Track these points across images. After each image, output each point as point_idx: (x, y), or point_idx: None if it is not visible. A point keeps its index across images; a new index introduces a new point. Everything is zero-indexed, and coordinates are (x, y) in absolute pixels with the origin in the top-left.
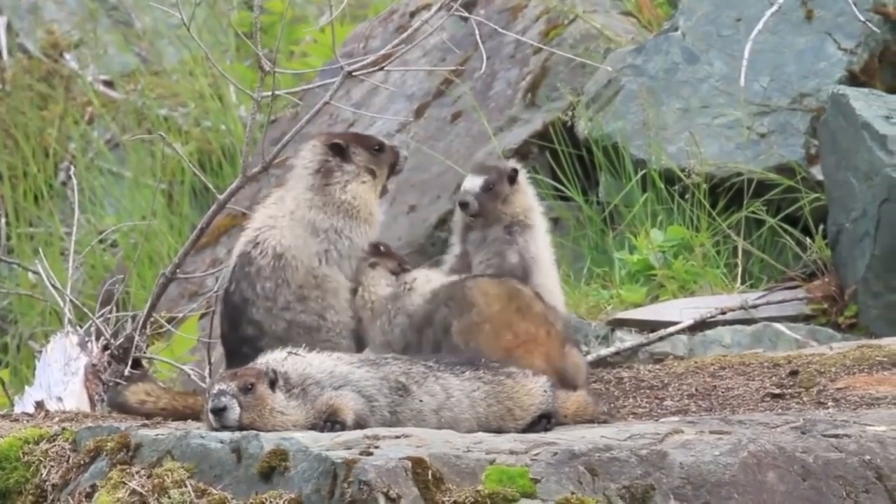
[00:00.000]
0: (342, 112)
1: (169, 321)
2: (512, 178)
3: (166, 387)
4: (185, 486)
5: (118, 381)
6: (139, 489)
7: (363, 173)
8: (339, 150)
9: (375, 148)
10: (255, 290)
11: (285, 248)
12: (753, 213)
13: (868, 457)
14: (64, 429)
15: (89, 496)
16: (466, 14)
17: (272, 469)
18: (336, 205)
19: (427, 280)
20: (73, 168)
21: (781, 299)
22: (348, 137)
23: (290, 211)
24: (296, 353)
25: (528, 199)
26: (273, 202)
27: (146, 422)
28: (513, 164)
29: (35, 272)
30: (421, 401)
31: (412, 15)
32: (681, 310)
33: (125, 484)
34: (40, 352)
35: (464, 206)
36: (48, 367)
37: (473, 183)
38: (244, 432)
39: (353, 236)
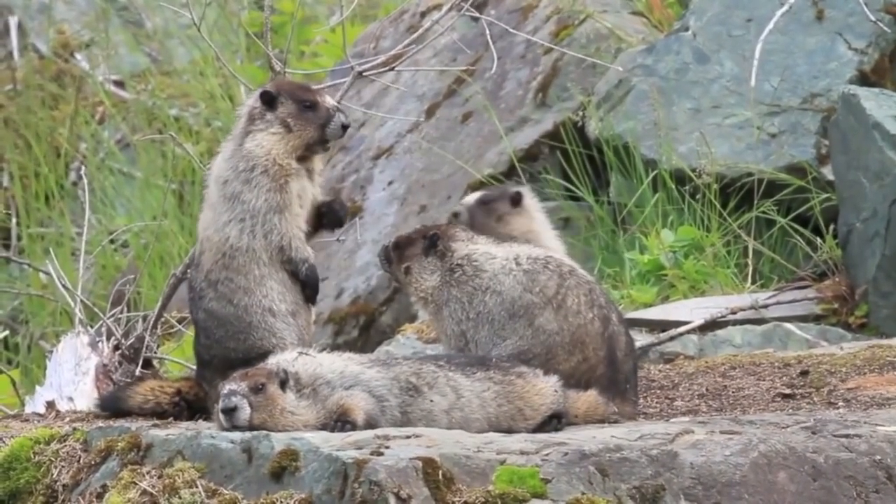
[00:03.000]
0: (352, 112)
1: (180, 321)
2: (515, 199)
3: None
4: (196, 487)
5: (129, 381)
6: (150, 489)
7: (276, 125)
8: (268, 98)
9: (306, 104)
10: (192, 282)
11: (201, 226)
12: (764, 213)
13: (879, 457)
14: (75, 429)
15: (100, 496)
16: (477, 14)
17: (283, 469)
18: (241, 154)
19: (489, 256)
20: (83, 168)
21: (792, 299)
22: (283, 86)
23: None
24: (306, 354)
25: (532, 223)
26: None
27: (157, 422)
28: (523, 189)
29: (46, 272)
30: (432, 401)
31: (423, 15)
32: (691, 310)
33: (136, 484)
34: (51, 352)
35: (455, 215)
36: (59, 367)
37: (471, 196)
38: (255, 432)
39: (253, 191)
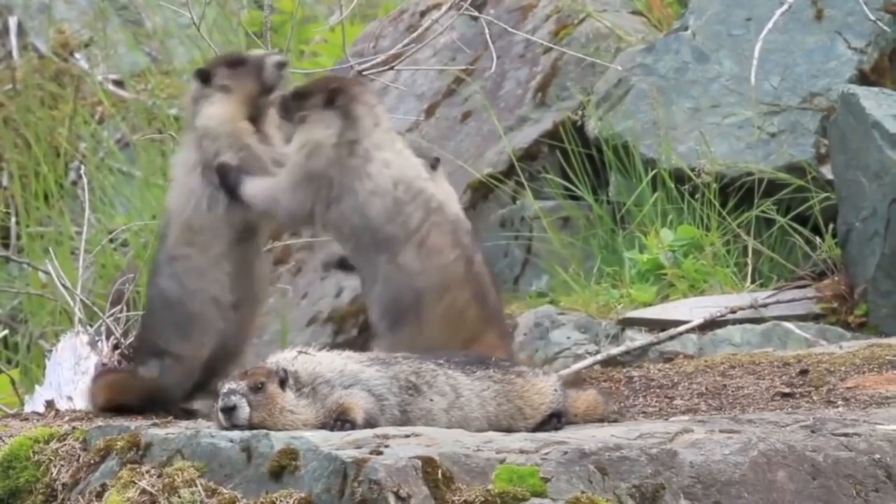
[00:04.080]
0: None
1: None
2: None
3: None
4: (196, 486)
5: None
6: (149, 488)
7: (216, 93)
8: (202, 75)
9: (236, 63)
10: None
11: (170, 201)
12: (763, 212)
13: (878, 456)
14: (74, 428)
15: (99, 495)
16: (476, 13)
17: (282, 468)
18: (197, 136)
19: (385, 158)
20: (83, 167)
21: (791, 298)
22: (213, 59)
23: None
24: (306, 352)
25: None
26: None
27: (156, 421)
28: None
29: (45, 272)
30: (431, 400)
31: (422, 14)
32: (691, 309)
33: (135, 483)
34: (50, 351)
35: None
36: (58, 366)
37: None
38: (254, 431)
39: (221, 157)
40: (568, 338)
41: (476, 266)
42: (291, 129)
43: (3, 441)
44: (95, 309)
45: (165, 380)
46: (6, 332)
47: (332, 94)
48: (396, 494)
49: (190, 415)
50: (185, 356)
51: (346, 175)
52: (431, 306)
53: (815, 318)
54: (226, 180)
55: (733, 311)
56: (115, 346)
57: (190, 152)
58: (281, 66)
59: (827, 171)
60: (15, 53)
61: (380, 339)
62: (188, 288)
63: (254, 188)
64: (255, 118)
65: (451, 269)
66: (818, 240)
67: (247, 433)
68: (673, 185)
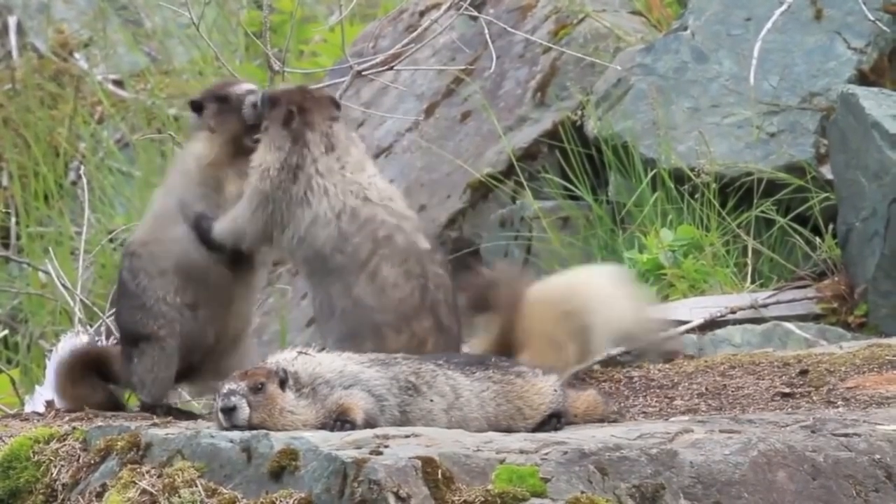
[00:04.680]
0: (351, 111)
1: None
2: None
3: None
4: (196, 486)
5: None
6: (149, 489)
7: (203, 129)
8: (195, 106)
9: (220, 98)
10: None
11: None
12: (763, 212)
13: (878, 456)
14: (74, 428)
15: (100, 496)
16: (476, 13)
17: (282, 468)
18: (182, 161)
19: (334, 180)
20: (83, 167)
21: (791, 298)
22: (207, 89)
23: None
24: (306, 353)
25: None
26: None
27: (156, 421)
28: None
29: (45, 272)
30: (431, 400)
31: (422, 14)
32: (690, 309)
33: (135, 483)
34: (51, 351)
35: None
36: None
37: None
38: (254, 432)
39: (181, 193)
40: None
41: (431, 292)
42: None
43: (4, 441)
44: (95, 309)
45: (137, 368)
46: (6, 332)
47: (290, 115)
48: (396, 495)
49: (187, 415)
50: (154, 341)
51: (289, 202)
52: (390, 340)
53: (816, 318)
54: (200, 230)
55: (733, 312)
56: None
57: (174, 173)
58: (254, 105)
59: (827, 171)
60: (14, 53)
61: None
62: (140, 284)
63: (220, 228)
64: (240, 153)
65: (406, 302)
66: (818, 240)
67: (247, 433)
68: (672, 185)
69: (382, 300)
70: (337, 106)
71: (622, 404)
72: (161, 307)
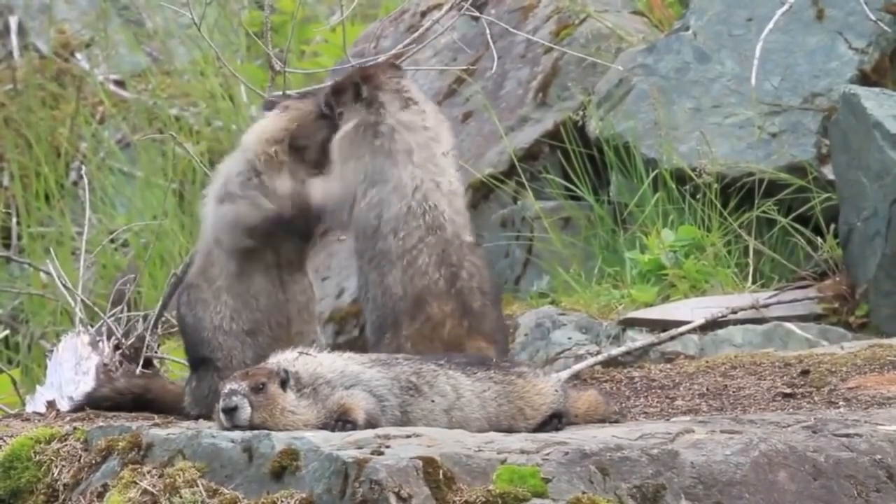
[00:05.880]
0: None
1: None
2: None
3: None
4: (197, 486)
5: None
6: (150, 489)
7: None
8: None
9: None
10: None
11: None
12: (765, 212)
13: (879, 456)
14: (75, 428)
15: (101, 496)
16: (477, 14)
17: (283, 468)
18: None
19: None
20: (84, 168)
21: (792, 299)
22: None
23: None
24: (307, 353)
25: None
26: None
27: (157, 421)
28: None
29: (46, 272)
30: (432, 401)
31: (423, 15)
32: (692, 309)
33: (136, 483)
34: (51, 351)
35: None
36: (59, 366)
37: None
38: (255, 432)
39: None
40: (569, 338)
41: (461, 281)
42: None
43: (5, 441)
44: (96, 309)
45: (195, 392)
46: (7, 332)
47: (357, 87)
48: (397, 495)
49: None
50: (212, 369)
51: (374, 154)
52: (409, 321)
53: (817, 318)
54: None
55: (734, 312)
56: (117, 347)
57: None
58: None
59: (828, 172)
60: (16, 53)
61: (370, 349)
62: (197, 316)
63: (315, 189)
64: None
65: (431, 287)
66: (819, 240)
67: (248, 433)
68: (674, 186)
69: (407, 289)
70: (398, 66)
71: (623, 405)
72: (219, 338)
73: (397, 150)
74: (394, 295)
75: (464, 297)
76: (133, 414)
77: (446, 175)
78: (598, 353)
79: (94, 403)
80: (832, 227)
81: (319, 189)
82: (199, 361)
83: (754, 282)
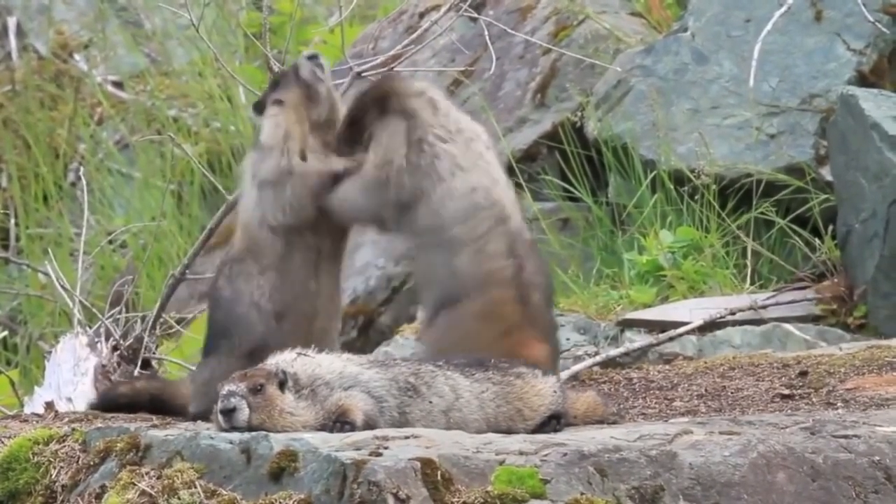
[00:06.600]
0: None
1: (178, 322)
2: None
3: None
4: (195, 487)
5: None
6: (149, 490)
7: (272, 106)
8: (258, 107)
9: (293, 76)
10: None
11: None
12: (763, 213)
13: (878, 457)
14: (74, 429)
15: (99, 497)
16: (475, 15)
17: (282, 470)
18: (257, 145)
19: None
20: (82, 169)
21: (791, 300)
22: (287, 71)
23: None
24: (305, 354)
25: None
26: None
27: (155, 422)
28: None
29: (45, 273)
30: (430, 402)
31: (421, 16)
32: (690, 310)
33: (135, 485)
34: (50, 352)
35: None
36: (58, 367)
37: None
38: (254, 433)
39: (262, 168)
40: (567, 339)
41: (526, 274)
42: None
43: (3, 442)
44: (95, 310)
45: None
46: (6, 333)
47: (384, 98)
48: (396, 496)
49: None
50: (224, 356)
51: (419, 177)
52: (473, 300)
53: (815, 319)
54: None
55: (733, 313)
56: (115, 348)
57: (248, 163)
58: (312, 57)
59: (826, 173)
60: (14, 55)
61: (422, 328)
62: (237, 289)
63: (340, 194)
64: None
65: (498, 273)
66: (818, 241)
67: (246, 435)
68: (672, 187)
69: (476, 270)
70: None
71: (621, 406)
72: (252, 315)
73: (441, 166)
74: (462, 275)
75: (525, 289)
76: (132, 415)
77: (498, 169)
78: (597, 354)
79: (110, 401)
80: (830, 228)
81: (342, 199)
82: (214, 347)
83: (752, 283)
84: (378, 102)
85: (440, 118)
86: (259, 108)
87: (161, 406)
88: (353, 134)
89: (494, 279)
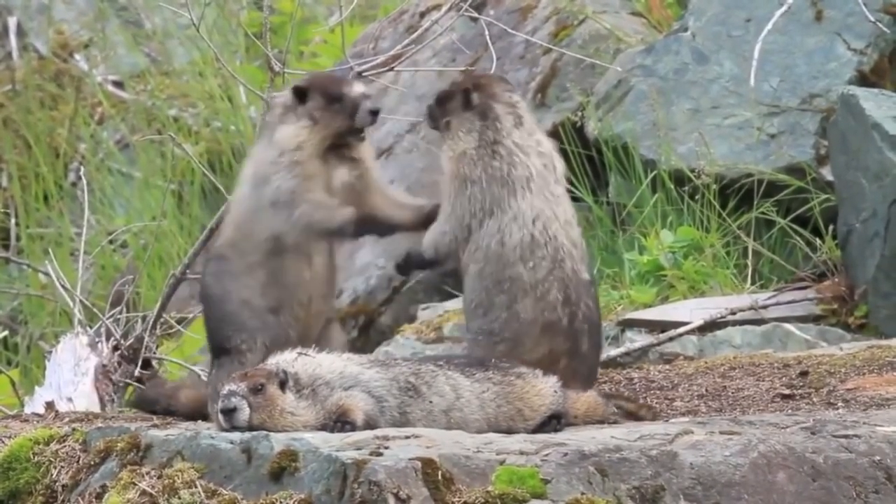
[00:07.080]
0: None
1: (179, 322)
2: None
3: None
4: (196, 487)
5: (128, 381)
6: (149, 490)
7: (304, 118)
8: (299, 93)
9: (333, 97)
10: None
11: (230, 203)
12: (763, 213)
13: (878, 457)
14: (74, 429)
15: (99, 497)
16: (476, 14)
17: (282, 469)
18: (272, 144)
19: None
20: (83, 169)
21: (791, 300)
22: (314, 80)
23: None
24: (305, 354)
25: None
26: None
27: (156, 422)
28: None
29: (45, 273)
30: (431, 402)
31: (422, 15)
32: (691, 310)
33: (135, 484)
34: (50, 352)
35: None
36: (58, 367)
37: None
38: (254, 433)
39: (280, 174)
40: None
41: (578, 322)
42: (440, 129)
43: (3, 442)
44: (95, 310)
45: (213, 380)
46: (6, 333)
47: (467, 94)
48: (396, 496)
49: None
50: (230, 357)
51: (491, 181)
52: (532, 348)
53: (816, 319)
54: (411, 261)
55: (733, 313)
56: (115, 348)
57: (259, 155)
58: (374, 113)
59: (827, 173)
60: (15, 54)
61: (470, 345)
62: (225, 288)
63: (427, 240)
64: (339, 146)
65: (556, 325)
66: (818, 241)
67: (247, 435)
68: (673, 187)
69: (536, 318)
70: (507, 80)
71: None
72: (245, 315)
73: (516, 177)
74: (523, 321)
75: (576, 338)
76: (132, 415)
77: (562, 204)
78: None
79: (146, 403)
80: (831, 228)
81: (430, 240)
82: (221, 348)
83: (753, 283)
84: (466, 94)
85: (521, 132)
86: (301, 96)
87: (193, 412)
88: (435, 117)
89: (552, 330)
